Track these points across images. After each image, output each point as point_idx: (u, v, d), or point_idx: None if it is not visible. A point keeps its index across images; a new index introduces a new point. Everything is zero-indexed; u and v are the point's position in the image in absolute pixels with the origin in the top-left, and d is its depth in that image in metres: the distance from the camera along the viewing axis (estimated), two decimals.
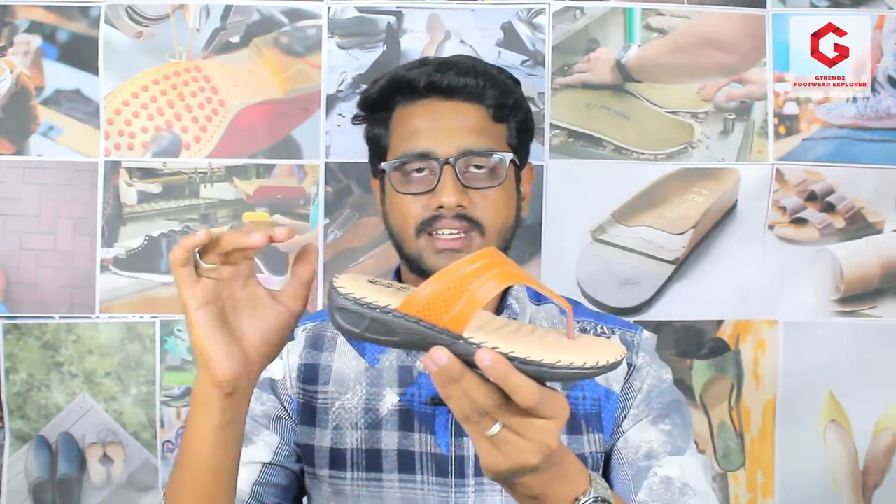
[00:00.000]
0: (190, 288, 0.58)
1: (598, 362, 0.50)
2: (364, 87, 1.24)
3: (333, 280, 0.56)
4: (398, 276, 0.89)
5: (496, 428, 0.51)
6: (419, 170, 0.80)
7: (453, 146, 0.79)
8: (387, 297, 0.54)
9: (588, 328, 0.87)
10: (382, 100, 0.84)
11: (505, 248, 0.83)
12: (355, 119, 0.89)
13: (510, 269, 0.53)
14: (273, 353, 0.63)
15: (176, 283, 0.58)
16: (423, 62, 0.84)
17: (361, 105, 0.87)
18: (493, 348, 0.50)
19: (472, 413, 0.51)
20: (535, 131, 0.91)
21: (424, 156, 0.79)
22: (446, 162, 0.78)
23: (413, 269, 0.82)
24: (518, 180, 0.86)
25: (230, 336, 0.60)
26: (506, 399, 0.50)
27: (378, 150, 0.86)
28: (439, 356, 0.50)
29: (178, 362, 1.25)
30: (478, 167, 0.80)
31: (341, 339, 0.86)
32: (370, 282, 0.57)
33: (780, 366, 1.29)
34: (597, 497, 0.58)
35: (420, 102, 0.82)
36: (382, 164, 0.83)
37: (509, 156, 0.81)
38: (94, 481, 1.25)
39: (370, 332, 0.54)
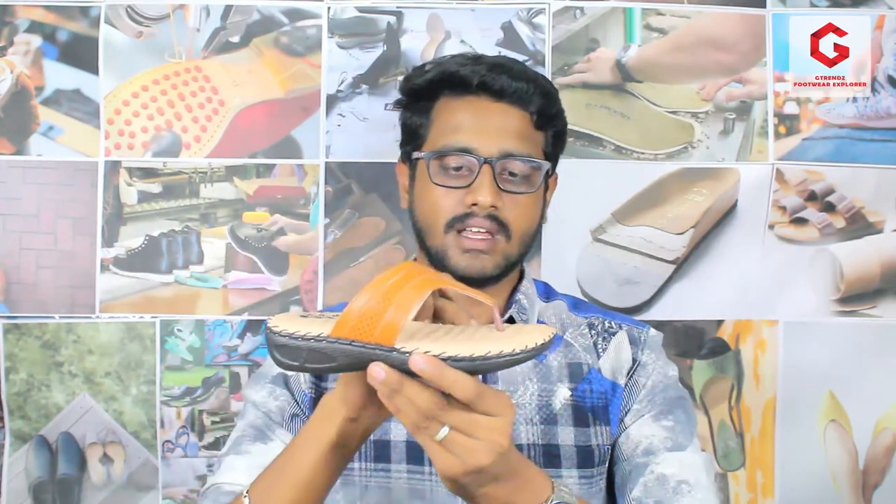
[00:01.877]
0: None
1: (526, 346, 0.52)
2: (365, 86, 1.25)
3: (267, 321, 0.57)
4: None
5: (444, 431, 0.52)
6: (457, 166, 0.81)
7: (495, 147, 0.79)
8: (319, 327, 0.55)
9: (596, 323, 0.88)
10: (428, 90, 0.85)
11: (525, 253, 0.84)
12: (396, 104, 0.89)
13: (429, 277, 0.55)
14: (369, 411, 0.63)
15: None
16: (478, 60, 0.85)
17: (404, 91, 0.88)
18: (426, 352, 0.52)
19: (419, 420, 0.52)
20: None
21: (465, 151, 0.80)
22: (486, 161, 0.78)
23: (435, 264, 0.82)
24: (546, 188, 0.87)
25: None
26: (448, 400, 0.52)
27: (413, 137, 0.86)
28: (377, 372, 0.51)
29: (178, 362, 1.25)
30: (513, 173, 0.81)
31: None
32: (302, 316, 0.59)
33: (780, 366, 1.29)
34: (560, 502, 0.59)
35: (467, 98, 0.82)
36: (421, 153, 0.83)
37: (546, 165, 0.83)
38: (94, 481, 1.25)
39: (310, 362, 0.55)
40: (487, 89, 0.82)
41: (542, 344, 0.53)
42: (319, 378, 0.84)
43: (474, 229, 0.79)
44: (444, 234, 0.80)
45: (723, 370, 1.30)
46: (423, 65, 0.87)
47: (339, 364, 0.54)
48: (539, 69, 1.25)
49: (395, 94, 0.92)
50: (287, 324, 0.56)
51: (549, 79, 1.24)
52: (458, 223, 0.79)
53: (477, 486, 0.55)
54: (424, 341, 0.54)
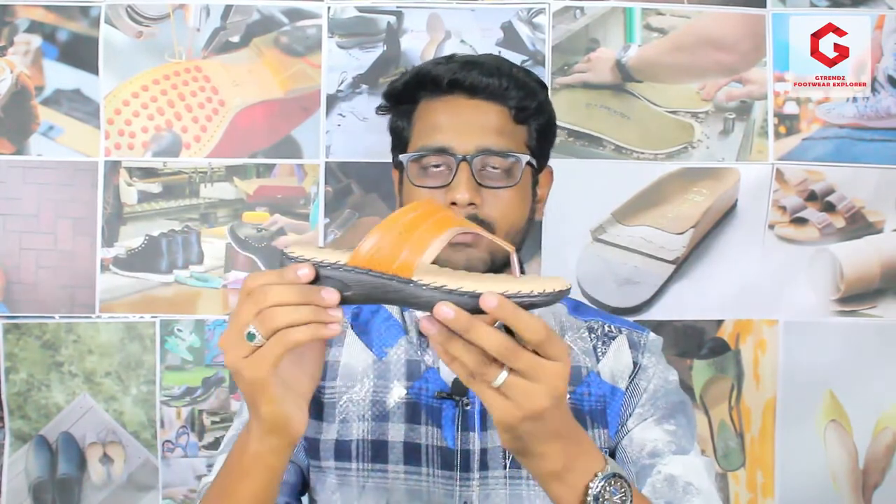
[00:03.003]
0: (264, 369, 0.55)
1: (545, 289, 0.52)
2: (365, 86, 1.25)
3: (285, 248, 0.57)
4: None
5: (503, 376, 0.51)
6: (436, 165, 0.81)
7: (471, 144, 0.79)
8: (337, 256, 0.55)
9: (595, 327, 0.88)
10: (407, 93, 0.85)
11: (515, 249, 0.83)
12: (380, 109, 0.90)
13: (448, 215, 0.55)
14: (318, 379, 0.63)
15: (244, 371, 0.56)
16: (451, 58, 0.85)
17: (386, 96, 0.88)
18: (443, 286, 0.51)
19: (476, 366, 0.51)
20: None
21: (442, 151, 0.80)
22: (463, 159, 0.78)
23: None
24: (535, 183, 0.86)
25: (294, 391, 0.59)
26: (514, 343, 0.51)
27: (399, 141, 0.87)
28: (445, 311, 0.50)
29: (178, 362, 1.25)
30: (494, 168, 0.80)
31: (349, 333, 0.87)
32: (319, 247, 0.58)
33: (780, 366, 1.29)
34: (614, 473, 0.59)
35: (443, 98, 0.83)
36: (401, 156, 0.84)
37: (526, 158, 0.82)
38: (94, 481, 1.26)
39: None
40: (460, 87, 0.81)
41: (561, 291, 0.52)
42: None
43: None
44: None
45: (723, 370, 1.30)
46: (405, 69, 0.88)
47: (353, 294, 0.54)
48: (539, 69, 1.25)
49: None
50: (304, 251, 0.56)
51: (549, 78, 1.25)
52: None
53: (536, 439, 0.54)
54: (441, 277, 0.52)
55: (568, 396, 0.82)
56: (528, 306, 0.51)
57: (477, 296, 0.51)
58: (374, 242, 0.53)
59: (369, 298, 0.54)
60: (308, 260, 0.54)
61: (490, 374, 0.52)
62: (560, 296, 0.52)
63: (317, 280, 0.54)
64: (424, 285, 0.51)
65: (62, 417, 1.25)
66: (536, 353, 0.52)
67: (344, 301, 0.55)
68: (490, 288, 0.51)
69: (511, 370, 0.52)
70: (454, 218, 0.55)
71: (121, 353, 1.25)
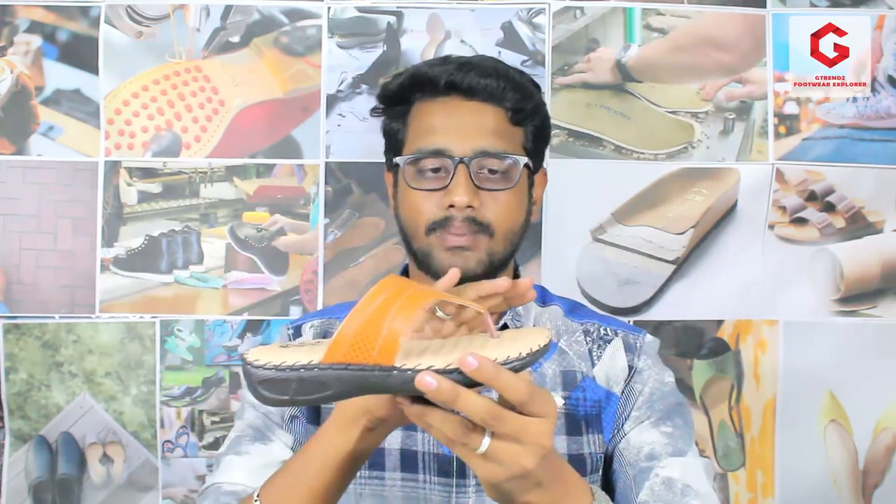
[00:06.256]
0: None
1: (530, 349, 0.50)
2: (365, 86, 1.25)
3: (244, 356, 0.53)
4: (405, 274, 0.89)
5: (486, 443, 0.50)
6: (433, 168, 0.80)
7: (469, 146, 0.79)
8: (306, 354, 0.52)
9: (591, 330, 0.88)
10: (402, 94, 0.85)
11: (512, 251, 0.83)
12: (374, 111, 0.89)
13: (415, 293, 0.52)
14: None
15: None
16: (446, 60, 0.84)
17: (381, 98, 0.88)
18: (429, 367, 0.49)
19: (457, 435, 0.50)
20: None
21: (439, 153, 0.79)
22: (460, 161, 0.78)
23: (421, 265, 0.83)
24: (531, 185, 0.86)
25: None
26: (500, 408, 0.50)
27: (394, 143, 0.86)
28: (429, 382, 0.47)
29: (178, 362, 1.25)
30: (492, 170, 0.80)
31: None
32: (282, 346, 0.55)
33: (780, 366, 1.29)
34: None
35: (439, 100, 0.82)
36: (397, 158, 0.83)
37: (523, 160, 0.81)
38: (94, 481, 1.25)
39: (300, 394, 0.51)
40: (457, 88, 0.81)
41: (539, 349, 0.51)
42: None
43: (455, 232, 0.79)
44: (426, 237, 0.80)
45: (723, 370, 1.30)
46: (400, 71, 0.87)
47: (333, 392, 0.51)
48: (539, 69, 1.25)
49: None
50: (269, 355, 0.52)
51: (549, 78, 1.25)
52: (438, 227, 0.79)
53: (520, 491, 0.53)
54: (424, 357, 0.51)
55: (563, 402, 0.82)
56: (516, 370, 0.50)
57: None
58: (346, 334, 0.50)
59: (351, 394, 0.51)
60: (277, 365, 0.51)
61: (473, 443, 0.50)
62: (544, 351, 0.51)
63: (279, 383, 0.51)
64: (409, 370, 0.49)
65: (62, 417, 1.25)
66: (521, 411, 0.50)
67: (324, 401, 0.51)
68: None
69: (494, 434, 0.50)
70: (426, 290, 0.52)
71: (121, 353, 1.25)
